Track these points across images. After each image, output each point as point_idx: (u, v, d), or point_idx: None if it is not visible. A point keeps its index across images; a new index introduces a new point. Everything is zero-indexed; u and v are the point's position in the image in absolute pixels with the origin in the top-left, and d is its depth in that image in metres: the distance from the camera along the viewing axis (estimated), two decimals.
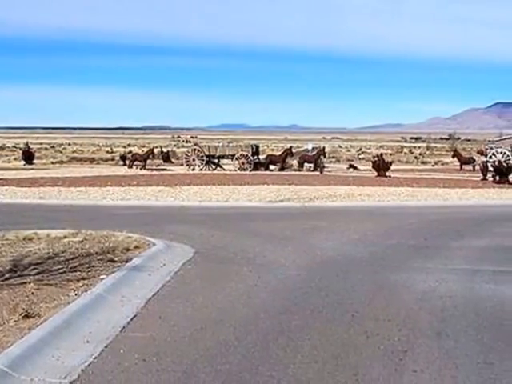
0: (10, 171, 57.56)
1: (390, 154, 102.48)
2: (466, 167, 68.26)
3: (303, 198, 33.35)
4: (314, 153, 66.14)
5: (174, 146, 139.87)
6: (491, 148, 56.87)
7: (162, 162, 72.79)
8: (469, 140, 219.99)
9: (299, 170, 61.06)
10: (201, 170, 60.58)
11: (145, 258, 16.01)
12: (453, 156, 75.02)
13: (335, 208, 30.92)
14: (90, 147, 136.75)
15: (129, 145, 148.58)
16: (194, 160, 62.54)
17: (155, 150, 73.54)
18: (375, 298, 12.88)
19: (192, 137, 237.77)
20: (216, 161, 63.44)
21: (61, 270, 13.89)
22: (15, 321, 10.20)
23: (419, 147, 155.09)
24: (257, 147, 65.30)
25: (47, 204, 31.31)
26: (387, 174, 53.08)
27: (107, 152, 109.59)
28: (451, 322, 11.23)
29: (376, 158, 56.76)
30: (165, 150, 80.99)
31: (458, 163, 71.13)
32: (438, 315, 11.63)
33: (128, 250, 16.77)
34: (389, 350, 9.66)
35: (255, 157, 62.46)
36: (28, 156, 74.13)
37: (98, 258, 15.44)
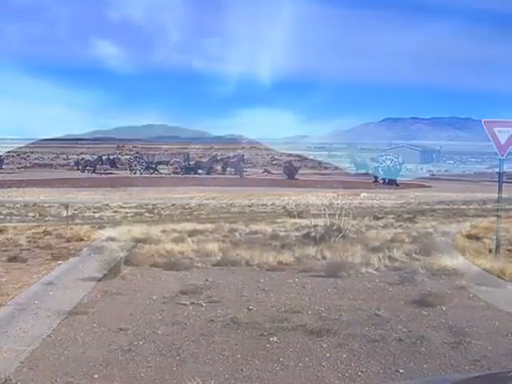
0: None
1: (299, 161, 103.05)
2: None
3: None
4: (234, 159, 66.84)
5: (119, 154, 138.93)
6: (382, 156, 57.78)
7: (109, 167, 72.65)
8: (364, 149, 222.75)
9: (223, 174, 61.40)
10: (141, 173, 60.44)
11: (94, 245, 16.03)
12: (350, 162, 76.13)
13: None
14: (49, 155, 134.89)
15: (82, 153, 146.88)
16: (135, 165, 62.44)
17: (103, 158, 73.31)
18: None
19: (134, 146, 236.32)
20: (154, 166, 63.37)
21: (26, 257, 13.85)
22: None
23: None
24: (188, 155, 65.48)
25: (14, 201, 30.93)
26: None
27: (64, 159, 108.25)
28: None
29: (287, 164, 57.45)
30: (111, 157, 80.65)
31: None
32: None
33: (81, 240, 16.77)
34: None
35: (186, 163, 62.65)
36: None
37: (57, 246, 15.40)
